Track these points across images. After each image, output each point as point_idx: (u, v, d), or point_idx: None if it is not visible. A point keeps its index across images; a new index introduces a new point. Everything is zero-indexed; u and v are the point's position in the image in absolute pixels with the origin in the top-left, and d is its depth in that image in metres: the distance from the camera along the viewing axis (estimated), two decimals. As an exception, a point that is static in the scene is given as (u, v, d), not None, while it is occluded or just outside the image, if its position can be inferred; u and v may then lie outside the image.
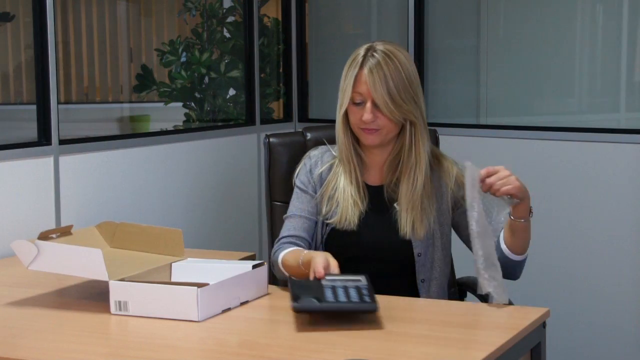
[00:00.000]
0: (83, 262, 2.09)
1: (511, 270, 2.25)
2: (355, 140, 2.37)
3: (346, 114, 2.34)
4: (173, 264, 2.27)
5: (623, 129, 3.59)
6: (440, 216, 2.35)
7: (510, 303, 2.13)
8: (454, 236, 2.41)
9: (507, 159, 2.63)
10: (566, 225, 3.57)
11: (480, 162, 2.16)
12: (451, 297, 2.51)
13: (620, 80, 3.69)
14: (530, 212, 2.19)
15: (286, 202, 2.47)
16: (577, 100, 3.88)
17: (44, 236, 2.27)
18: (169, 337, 1.91)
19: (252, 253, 2.85)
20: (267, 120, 4.22)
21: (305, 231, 2.37)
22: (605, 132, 3.52)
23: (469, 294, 2.57)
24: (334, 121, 2.39)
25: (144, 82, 4.19)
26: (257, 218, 4.00)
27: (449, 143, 2.93)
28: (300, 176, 2.43)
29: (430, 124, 2.48)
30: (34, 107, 3.08)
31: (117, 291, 2.05)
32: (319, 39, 4.43)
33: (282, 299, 2.18)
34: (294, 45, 4.30)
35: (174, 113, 4.20)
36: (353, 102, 2.31)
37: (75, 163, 3.13)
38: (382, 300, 1.99)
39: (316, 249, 2.38)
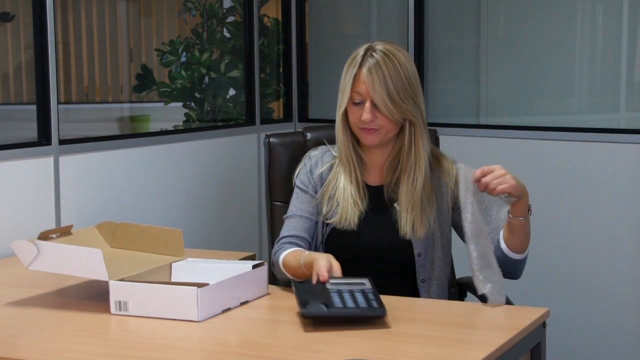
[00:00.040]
0: (83, 262, 2.09)
1: (512, 269, 2.25)
2: (355, 140, 2.37)
3: (346, 114, 2.34)
4: (173, 264, 2.27)
5: (623, 129, 3.59)
6: (440, 216, 2.35)
7: (509, 303, 2.13)
8: (454, 236, 2.40)
9: (507, 159, 2.63)
10: (566, 225, 3.56)
11: (480, 162, 2.16)
12: (451, 297, 2.51)
13: (620, 80, 3.69)
14: (529, 210, 2.18)
15: (286, 202, 2.46)
16: (577, 100, 3.88)
17: (44, 236, 2.27)
18: (169, 337, 1.91)
19: (252, 253, 2.85)
20: (267, 120, 4.22)
21: (306, 231, 2.36)
22: (605, 132, 3.52)
23: (469, 294, 2.56)
24: (334, 121, 2.38)
25: (144, 82, 4.18)
26: (257, 218, 4.00)
27: (449, 143, 2.93)
28: (301, 176, 2.42)
29: (430, 124, 2.48)
30: (34, 107, 3.08)
31: (117, 291, 2.05)
32: (319, 39, 4.42)
33: (282, 299, 2.18)
34: (294, 45, 4.30)
35: (174, 113, 4.20)
36: (352, 102, 2.30)
37: (75, 163, 3.13)
38: (383, 300, 1.99)
39: (316, 249, 2.37)
